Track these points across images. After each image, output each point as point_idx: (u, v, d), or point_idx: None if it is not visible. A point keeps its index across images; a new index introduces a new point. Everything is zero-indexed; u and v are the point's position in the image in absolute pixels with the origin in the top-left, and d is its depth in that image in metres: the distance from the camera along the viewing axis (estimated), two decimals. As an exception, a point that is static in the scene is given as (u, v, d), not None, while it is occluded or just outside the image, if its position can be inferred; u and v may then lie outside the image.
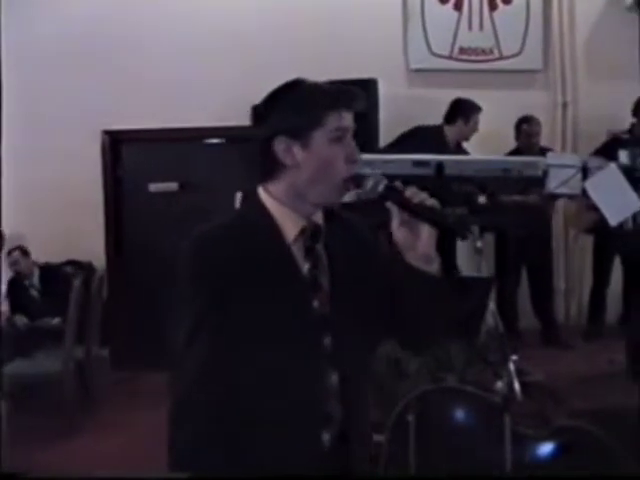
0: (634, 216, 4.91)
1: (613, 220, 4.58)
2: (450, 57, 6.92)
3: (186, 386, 1.80)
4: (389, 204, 1.82)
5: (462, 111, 5.95)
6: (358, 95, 1.87)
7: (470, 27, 6.95)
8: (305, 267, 1.85)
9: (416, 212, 1.80)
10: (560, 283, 6.81)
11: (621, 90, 6.43)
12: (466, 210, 4.72)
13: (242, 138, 6.00)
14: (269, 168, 1.86)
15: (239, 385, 1.80)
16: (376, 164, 4.66)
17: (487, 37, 6.96)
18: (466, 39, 6.95)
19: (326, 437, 1.85)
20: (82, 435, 4.90)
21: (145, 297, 6.46)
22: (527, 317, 6.33)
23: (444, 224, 1.81)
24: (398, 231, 1.82)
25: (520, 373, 4.46)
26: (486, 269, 4.63)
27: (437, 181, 4.43)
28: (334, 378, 1.85)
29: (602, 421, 4.06)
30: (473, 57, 6.95)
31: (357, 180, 1.85)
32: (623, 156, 5.28)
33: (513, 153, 6.19)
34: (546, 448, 3.75)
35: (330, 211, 1.92)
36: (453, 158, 4.82)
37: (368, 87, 6.07)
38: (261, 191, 1.89)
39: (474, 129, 5.98)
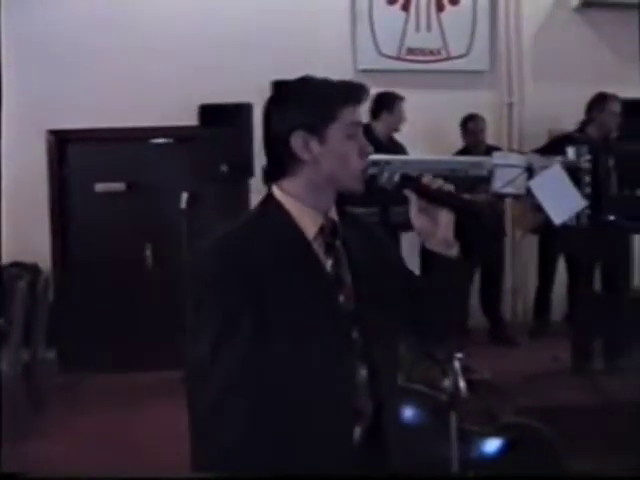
0: (578, 215, 4.98)
1: (557, 219, 4.65)
2: (398, 58, 6.95)
3: (218, 392, 1.76)
4: (407, 192, 1.87)
5: (385, 103, 5.93)
6: (365, 90, 1.90)
7: (418, 28, 6.99)
8: (328, 264, 1.86)
9: (435, 198, 1.85)
10: (507, 282, 6.88)
11: (566, 90, 6.53)
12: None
13: (190, 137, 6.09)
14: (285, 165, 1.86)
15: (274, 384, 1.78)
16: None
17: (435, 38, 7.01)
18: (414, 40, 6.99)
19: (357, 432, 1.86)
20: (29, 438, 4.82)
21: (92, 299, 6.40)
22: (475, 315, 6.38)
23: (463, 208, 1.86)
24: (417, 218, 1.88)
25: (467, 371, 4.49)
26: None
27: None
28: (363, 373, 1.86)
29: (547, 418, 4.12)
30: (421, 58, 7.00)
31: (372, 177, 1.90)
32: (570, 153, 5.34)
33: (461, 152, 6.25)
34: (492, 445, 3.79)
35: (342, 210, 1.94)
36: (401, 158, 4.84)
37: (316, 87, 6.09)
38: (276, 189, 1.88)
39: (401, 118, 5.94)
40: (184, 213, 4.25)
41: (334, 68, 6.33)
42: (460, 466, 3.21)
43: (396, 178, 1.87)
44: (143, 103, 6.44)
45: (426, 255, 1.90)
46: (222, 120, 5.90)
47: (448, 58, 7.00)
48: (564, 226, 4.72)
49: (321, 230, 1.87)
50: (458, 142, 6.39)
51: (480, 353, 4.80)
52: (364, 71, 6.82)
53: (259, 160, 5.34)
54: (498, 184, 4.77)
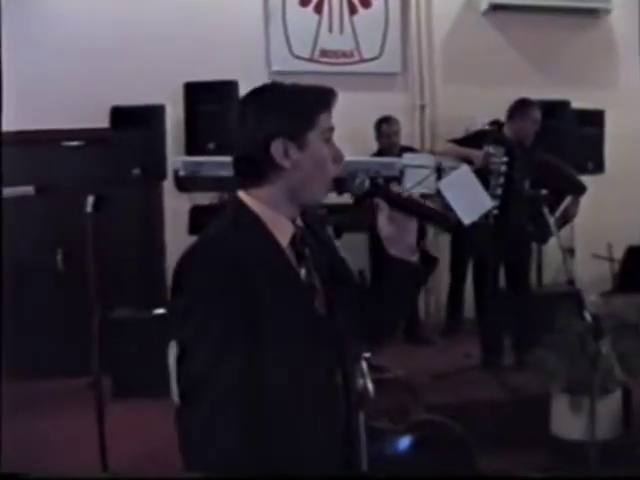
0: (486, 215, 5.08)
1: (466, 219, 4.72)
2: (311, 59, 6.98)
3: (216, 400, 1.73)
4: (377, 200, 1.86)
5: None
6: (336, 95, 1.87)
7: (331, 30, 7.04)
8: (302, 272, 1.86)
9: (404, 206, 1.86)
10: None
11: (476, 92, 6.67)
12: (325, 210, 4.76)
13: (102, 140, 6.00)
14: (261, 172, 1.81)
15: (262, 394, 1.75)
16: (230, 167, 4.66)
17: (347, 40, 7.07)
18: (327, 42, 7.04)
19: (338, 434, 1.90)
20: None
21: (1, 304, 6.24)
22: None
23: (431, 216, 1.89)
24: (385, 226, 1.88)
25: (379, 370, 4.54)
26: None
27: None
28: (339, 376, 1.90)
29: (458, 414, 4.19)
30: (334, 59, 7.04)
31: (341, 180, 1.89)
32: (490, 150, 5.42)
33: (376, 154, 6.31)
34: (404, 442, 3.84)
35: (303, 214, 1.93)
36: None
37: (229, 88, 6.07)
38: (244, 196, 1.84)
39: None
40: (90, 217, 4.18)
41: (247, 69, 6.46)
42: (371, 464, 3.23)
43: (366, 184, 1.86)
44: (54, 105, 6.32)
45: (388, 261, 1.93)
46: (134, 122, 5.83)
47: (361, 60, 7.07)
48: (473, 225, 4.80)
49: (293, 239, 1.86)
50: (371, 143, 6.46)
51: (393, 352, 4.84)
52: (277, 72, 6.83)
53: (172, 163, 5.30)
54: (408, 184, 4.82)
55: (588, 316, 4.04)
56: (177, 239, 6.01)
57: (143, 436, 4.75)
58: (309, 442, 1.83)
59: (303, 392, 1.81)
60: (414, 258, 1.93)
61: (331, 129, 1.85)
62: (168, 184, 5.79)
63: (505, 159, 5.32)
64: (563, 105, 6.46)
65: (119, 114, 5.92)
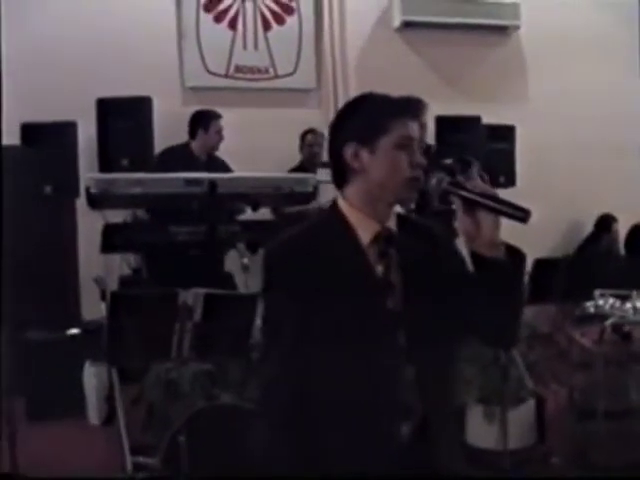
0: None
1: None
2: (226, 75, 6.97)
3: (266, 385, 2.03)
4: (453, 198, 1.90)
5: (199, 122, 5.96)
6: (423, 105, 2.00)
7: (245, 46, 7.05)
8: (379, 269, 1.96)
9: (477, 201, 1.87)
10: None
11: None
12: (238, 227, 4.76)
13: (11, 158, 5.87)
14: (342, 174, 2.01)
15: (319, 382, 1.92)
16: (148, 183, 4.62)
17: (262, 56, 7.09)
18: (242, 58, 7.04)
19: (405, 429, 1.94)
20: None
21: None
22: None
23: (504, 211, 1.87)
24: (462, 222, 1.89)
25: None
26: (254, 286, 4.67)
27: (210, 199, 4.44)
28: (409, 373, 1.94)
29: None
30: (249, 76, 7.05)
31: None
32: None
33: (297, 168, 6.32)
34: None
35: (404, 217, 2.05)
36: (225, 176, 4.86)
37: (142, 104, 6.02)
38: (339, 198, 2.03)
39: (218, 137, 5.97)
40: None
41: (162, 85, 6.43)
42: None
43: (444, 185, 1.91)
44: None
45: (473, 258, 1.93)
46: (45, 139, 5.72)
47: (276, 76, 7.09)
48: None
49: (376, 238, 1.97)
50: (287, 160, 6.46)
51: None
52: (192, 88, 6.83)
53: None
54: (324, 199, 4.85)
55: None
56: (91, 257, 5.93)
57: (59, 457, 4.67)
58: (361, 436, 1.92)
59: (353, 382, 1.92)
60: (496, 253, 1.89)
61: (407, 137, 1.95)
62: (81, 202, 5.69)
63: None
64: (474, 120, 6.56)
65: (30, 130, 5.80)
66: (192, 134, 5.95)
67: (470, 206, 1.89)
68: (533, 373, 4.60)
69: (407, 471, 1.92)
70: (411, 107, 1.99)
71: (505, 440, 4.11)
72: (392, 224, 2.02)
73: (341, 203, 2.01)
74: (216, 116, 5.97)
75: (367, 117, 1.97)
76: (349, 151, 1.97)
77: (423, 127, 2.01)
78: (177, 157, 5.80)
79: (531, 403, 4.70)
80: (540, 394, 4.75)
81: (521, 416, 4.59)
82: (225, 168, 5.81)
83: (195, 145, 5.94)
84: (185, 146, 5.98)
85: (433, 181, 1.94)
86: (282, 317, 1.96)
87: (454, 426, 2.11)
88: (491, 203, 1.88)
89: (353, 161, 1.97)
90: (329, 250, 1.95)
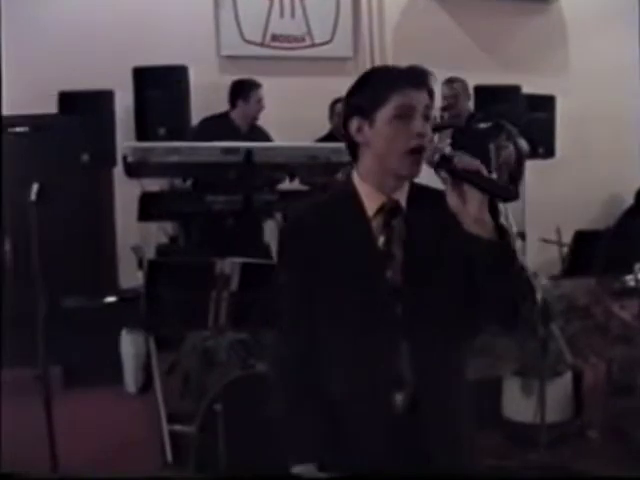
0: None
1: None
2: (262, 44, 6.93)
3: (275, 346, 2.14)
4: (442, 173, 1.88)
5: (240, 92, 5.91)
6: (424, 74, 1.97)
7: (282, 14, 6.99)
8: (381, 240, 1.99)
9: (463, 177, 1.84)
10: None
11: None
12: (275, 196, 4.75)
13: (49, 126, 5.89)
14: (352, 149, 2.04)
15: (321, 347, 2.01)
16: (185, 152, 4.62)
17: (299, 24, 7.03)
18: (278, 26, 6.99)
19: (399, 399, 1.95)
20: None
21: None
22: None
23: (485, 187, 1.84)
24: (449, 197, 1.86)
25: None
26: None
27: (246, 168, 4.43)
28: (405, 345, 1.96)
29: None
30: (285, 44, 7.00)
31: None
32: (435, 139, 5.47)
33: (326, 137, 6.27)
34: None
35: (421, 188, 2.03)
36: (262, 145, 4.83)
37: (179, 73, 6.02)
38: (354, 170, 2.06)
39: (258, 107, 5.92)
40: (33, 205, 4.10)
41: (198, 54, 6.41)
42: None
43: (436, 158, 1.87)
44: (-1, 90, 6.20)
45: (462, 236, 1.89)
46: (82, 108, 5.74)
47: (312, 45, 7.04)
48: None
49: (380, 209, 1.99)
50: (322, 129, 6.42)
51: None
52: (228, 57, 6.81)
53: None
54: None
55: (538, 299, 4.08)
56: (128, 226, 5.96)
57: (96, 426, 4.72)
58: (356, 402, 1.98)
59: (351, 350, 1.98)
60: (483, 232, 1.85)
61: (406, 106, 1.92)
62: (118, 170, 5.71)
63: (449, 140, 5.38)
64: (513, 90, 6.49)
65: (67, 100, 5.82)
66: (232, 104, 5.92)
67: (457, 181, 1.85)
68: (571, 346, 4.54)
69: (400, 441, 1.94)
70: (411, 76, 1.96)
71: (542, 414, 4.07)
72: (402, 196, 2.01)
73: (354, 176, 2.04)
74: (256, 85, 5.93)
75: (367, 91, 1.97)
76: (353, 126, 1.99)
77: (431, 96, 1.97)
78: (217, 127, 5.77)
79: (568, 376, 4.66)
80: (578, 367, 4.71)
81: (558, 389, 4.55)
82: (267, 139, 5.77)
83: (235, 115, 5.91)
84: (225, 116, 5.95)
85: (427, 154, 1.90)
86: (290, 284, 2.06)
87: (458, 402, 2.04)
88: (474, 179, 1.84)
89: (357, 135, 1.99)
90: (336, 220, 2.01)
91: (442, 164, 1.87)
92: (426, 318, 1.96)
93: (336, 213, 2.02)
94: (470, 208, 1.83)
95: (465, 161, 1.85)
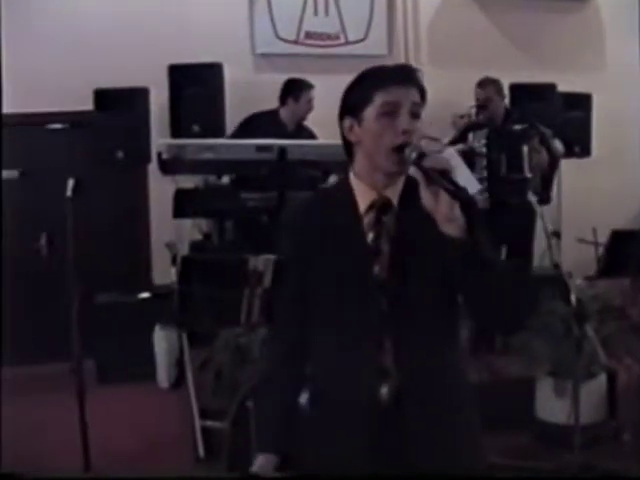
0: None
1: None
2: (296, 42, 6.93)
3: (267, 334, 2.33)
4: (413, 170, 1.90)
5: (291, 91, 5.94)
6: (410, 71, 2.04)
7: (316, 12, 6.98)
8: (370, 236, 2.02)
9: (428, 175, 1.86)
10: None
11: (463, 75, 6.63)
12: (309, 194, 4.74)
13: (85, 123, 5.95)
14: (346, 147, 2.08)
15: (312, 337, 2.07)
16: (220, 149, 4.64)
17: (333, 22, 7.01)
18: (312, 24, 6.98)
19: (384, 390, 1.96)
20: None
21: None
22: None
23: (448, 188, 1.82)
24: (424, 196, 1.87)
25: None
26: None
27: (280, 165, 4.44)
28: (390, 339, 1.98)
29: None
30: (319, 42, 6.99)
31: None
32: (470, 138, 5.46)
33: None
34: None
35: (414, 183, 1.94)
36: (295, 142, 4.83)
37: (213, 71, 6.05)
38: (350, 169, 2.10)
39: (308, 107, 5.95)
40: (70, 200, 4.15)
41: (232, 52, 6.42)
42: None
43: (413, 156, 1.88)
44: (37, 88, 6.26)
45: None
46: (118, 105, 5.79)
47: (346, 43, 7.03)
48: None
49: (371, 206, 2.02)
50: (357, 127, 6.43)
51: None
52: (262, 55, 6.81)
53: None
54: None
55: (573, 299, 4.04)
56: (162, 222, 6.00)
57: (128, 420, 4.75)
58: (342, 392, 2.01)
59: (337, 343, 2.02)
60: (449, 229, 1.84)
61: (390, 103, 1.95)
62: (153, 167, 5.75)
63: (484, 141, 5.36)
64: (550, 88, 6.45)
65: (103, 97, 5.87)
66: (283, 101, 5.94)
67: (428, 180, 1.85)
68: (606, 347, 4.50)
69: (384, 433, 1.96)
70: (396, 74, 2.00)
71: (576, 415, 4.04)
72: (395, 192, 2.02)
73: (350, 174, 2.09)
74: (308, 86, 5.97)
75: (356, 90, 2.02)
76: (346, 125, 2.03)
77: (422, 93, 2.00)
78: (265, 123, 5.79)
79: (602, 378, 4.62)
80: (612, 369, 4.66)
81: (592, 391, 4.51)
82: (312, 138, 5.77)
83: (284, 113, 5.93)
84: (274, 113, 5.97)
85: (407, 152, 1.91)
86: (283, 279, 2.17)
87: (448, 398, 2.01)
88: (437, 179, 1.83)
89: (349, 134, 2.03)
90: (330, 217, 2.05)
91: (416, 162, 1.89)
92: (410, 313, 1.98)
93: (330, 210, 2.06)
94: (441, 207, 1.83)
95: (434, 160, 1.85)
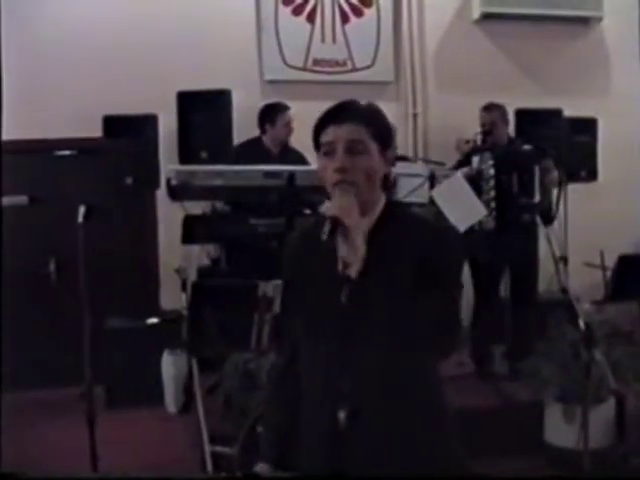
0: (480, 221, 5.09)
1: (461, 227, 4.73)
2: (304, 68, 7.00)
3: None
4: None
5: (267, 116, 5.96)
6: (344, 108, 2.11)
7: (323, 39, 7.06)
8: (341, 264, 2.06)
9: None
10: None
11: (469, 101, 6.67)
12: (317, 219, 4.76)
13: (94, 149, 5.99)
14: None
15: (297, 363, 2.17)
16: (228, 175, 4.67)
17: (340, 49, 7.09)
18: (320, 51, 7.05)
19: (341, 415, 2.01)
20: None
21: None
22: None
23: None
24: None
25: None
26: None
27: (288, 191, 4.46)
28: (348, 362, 2.02)
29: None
30: (327, 69, 7.06)
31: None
32: (475, 161, 5.48)
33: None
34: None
35: (394, 210, 2.14)
36: (304, 169, 4.85)
37: (222, 97, 6.09)
38: None
39: (287, 130, 5.95)
40: (81, 227, 4.18)
41: (241, 78, 6.48)
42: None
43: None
44: (45, 114, 6.32)
45: None
46: (127, 131, 5.84)
47: (354, 69, 7.09)
48: (468, 231, 4.79)
49: None
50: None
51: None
52: (271, 82, 6.87)
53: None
54: (401, 193, 4.83)
55: (581, 324, 4.05)
56: (171, 249, 6.02)
57: (136, 446, 4.74)
58: (308, 418, 2.12)
59: (307, 366, 2.13)
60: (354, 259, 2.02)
61: (327, 143, 2.06)
62: (161, 193, 5.78)
63: (491, 162, 5.38)
64: (555, 113, 6.49)
65: (112, 123, 5.92)
66: (262, 129, 5.97)
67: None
68: (614, 372, 4.50)
69: (342, 454, 2.01)
70: (332, 114, 2.10)
71: (585, 440, 4.03)
72: (370, 219, 2.07)
73: None
74: (283, 108, 5.97)
75: (314, 132, 2.13)
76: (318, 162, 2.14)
77: (368, 126, 2.06)
78: (251, 151, 5.82)
79: (611, 402, 4.61)
80: (621, 393, 4.65)
81: (601, 415, 4.50)
82: (299, 158, 5.76)
83: (266, 139, 5.96)
84: (258, 140, 6.00)
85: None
86: (282, 299, 2.42)
87: (410, 420, 2.03)
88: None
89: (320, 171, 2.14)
90: (313, 244, 2.08)
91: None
92: (371, 340, 2.01)
93: (314, 237, 2.07)
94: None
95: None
